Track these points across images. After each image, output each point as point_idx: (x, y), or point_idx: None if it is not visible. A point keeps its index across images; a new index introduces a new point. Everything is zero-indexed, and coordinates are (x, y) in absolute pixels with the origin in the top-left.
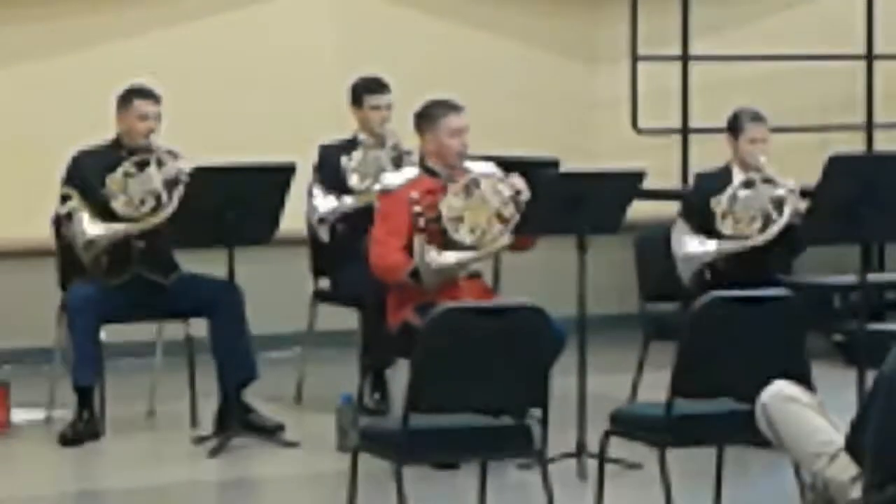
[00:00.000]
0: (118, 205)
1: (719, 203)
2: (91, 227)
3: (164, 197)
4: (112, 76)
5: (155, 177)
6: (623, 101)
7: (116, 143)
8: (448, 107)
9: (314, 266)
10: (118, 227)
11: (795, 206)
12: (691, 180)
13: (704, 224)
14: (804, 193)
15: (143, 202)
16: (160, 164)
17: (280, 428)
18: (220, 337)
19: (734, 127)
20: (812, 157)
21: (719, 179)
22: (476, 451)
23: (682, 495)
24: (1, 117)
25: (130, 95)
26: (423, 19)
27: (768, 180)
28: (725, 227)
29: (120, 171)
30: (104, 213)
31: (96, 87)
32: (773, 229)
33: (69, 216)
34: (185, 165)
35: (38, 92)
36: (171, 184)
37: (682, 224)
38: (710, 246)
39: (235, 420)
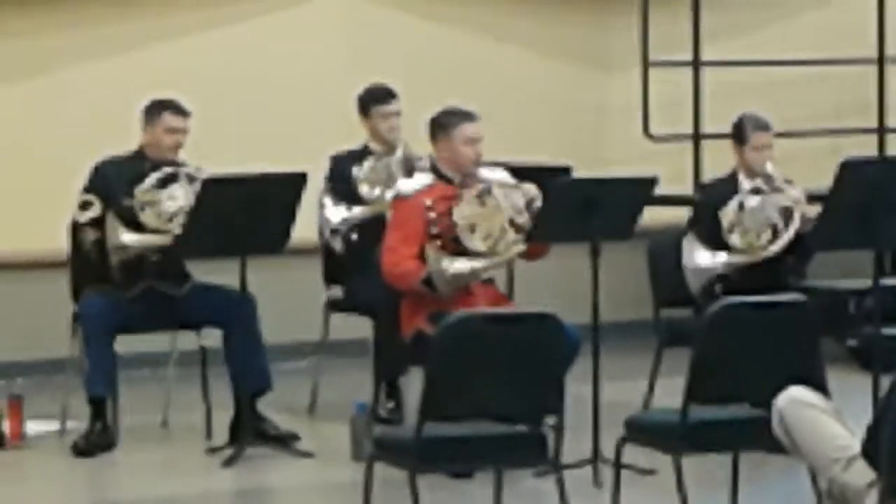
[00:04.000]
0: (148, 217)
1: (727, 214)
2: (125, 234)
3: None
4: (123, 89)
5: (187, 192)
6: (635, 108)
7: (140, 155)
8: (463, 115)
9: (327, 275)
10: (152, 239)
11: (804, 214)
12: None
13: (713, 235)
14: (817, 198)
15: (173, 217)
16: (190, 179)
17: (294, 438)
18: (234, 347)
19: (739, 135)
20: (824, 162)
21: (726, 187)
22: (491, 459)
23: (697, 502)
24: (15, 129)
25: (160, 108)
26: (434, 28)
27: (776, 189)
28: (734, 239)
29: (148, 183)
30: (127, 222)
31: (107, 99)
32: (782, 241)
33: (95, 223)
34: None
35: (51, 104)
36: None
37: (692, 236)
38: (720, 259)
39: (249, 430)
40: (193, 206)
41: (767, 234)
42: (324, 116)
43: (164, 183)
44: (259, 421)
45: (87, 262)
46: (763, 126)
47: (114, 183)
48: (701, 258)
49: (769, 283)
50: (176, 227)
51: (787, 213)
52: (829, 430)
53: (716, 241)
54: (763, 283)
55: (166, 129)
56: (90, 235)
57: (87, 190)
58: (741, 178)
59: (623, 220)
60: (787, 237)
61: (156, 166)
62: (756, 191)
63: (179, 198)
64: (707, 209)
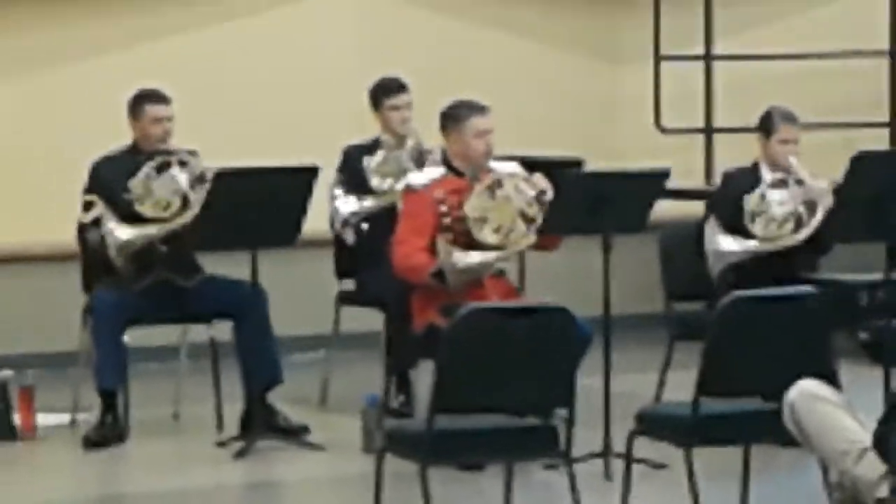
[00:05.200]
0: (145, 208)
1: (749, 202)
2: (123, 231)
3: (191, 196)
4: (132, 81)
5: (179, 177)
6: (647, 101)
7: (134, 148)
8: (474, 108)
9: (338, 268)
10: (150, 230)
11: (829, 206)
12: (716, 179)
13: (733, 222)
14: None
15: (169, 204)
16: (182, 164)
17: (305, 430)
18: (245, 340)
19: (766, 126)
20: (837, 156)
21: (748, 178)
22: (501, 451)
23: (708, 495)
24: (22, 124)
25: (141, 101)
26: (446, 21)
27: (799, 181)
28: (756, 227)
29: (142, 174)
30: (129, 217)
31: (116, 92)
32: (807, 230)
33: (95, 223)
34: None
35: (58, 98)
36: (196, 182)
37: (714, 221)
38: (744, 245)
39: (260, 423)
40: (205, 198)
41: (790, 225)
42: (337, 109)
43: (159, 171)
44: (270, 413)
45: (96, 260)
46: (791, 119)
47: (111, 180)
48: (724, 243)
49: (782, 274)
50: (174, 214)
51: (811, 205)
52: (841, 423)
53: (734, 228)
54: (776, 273)
55: (151, 120)
56: (96, 234)
57: (87, 190)
58: (763, 169)
59: (635, 213)
60: (812, 227)
61: (150, 158)
62: (778, 183)
63: (173, 184)
64: (728, 197)
